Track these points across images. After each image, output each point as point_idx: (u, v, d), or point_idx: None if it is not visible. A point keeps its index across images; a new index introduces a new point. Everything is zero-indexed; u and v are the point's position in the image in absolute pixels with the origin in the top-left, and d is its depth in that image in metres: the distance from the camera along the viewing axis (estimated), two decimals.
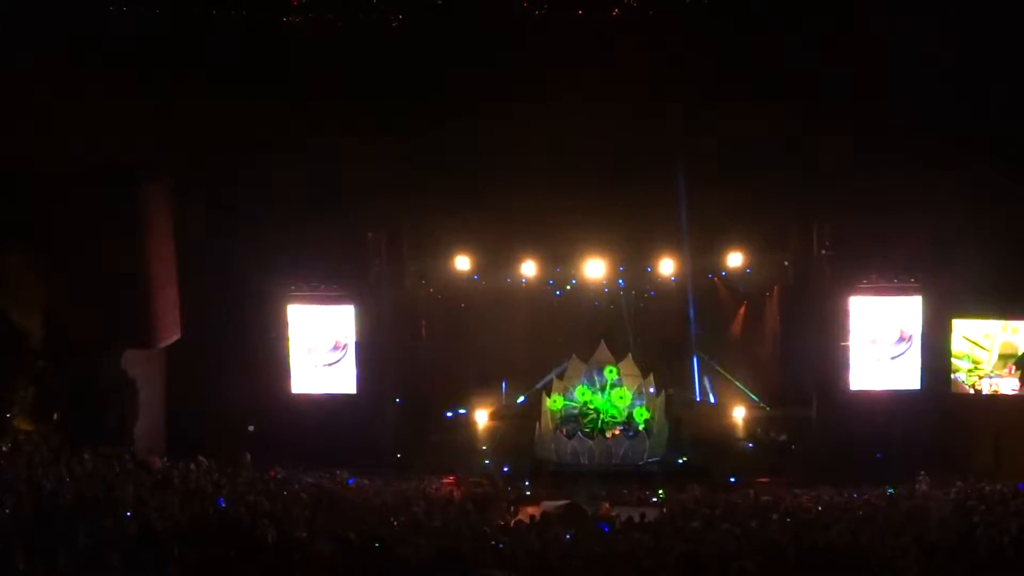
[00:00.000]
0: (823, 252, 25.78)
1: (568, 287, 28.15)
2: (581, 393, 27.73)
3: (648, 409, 27.37)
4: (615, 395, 27.63)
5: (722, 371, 28.33)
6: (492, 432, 27.57)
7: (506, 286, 27.72)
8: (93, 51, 21.91)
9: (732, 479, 25.27)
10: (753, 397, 27.10)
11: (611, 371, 27.79)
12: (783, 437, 26.76)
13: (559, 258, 27.35)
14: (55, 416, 22.29)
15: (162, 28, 24.42)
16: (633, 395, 27.57)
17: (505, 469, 26.16)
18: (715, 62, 23.70)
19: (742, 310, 28.46)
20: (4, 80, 20.87)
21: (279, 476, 21.91)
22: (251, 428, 25.61)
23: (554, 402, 27.52)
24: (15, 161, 21.30)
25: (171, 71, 22.99)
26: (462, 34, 25.42)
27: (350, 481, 22.90)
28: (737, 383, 27.74)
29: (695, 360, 28.31)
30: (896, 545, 13.87)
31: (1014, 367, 24.89)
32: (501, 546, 13.48)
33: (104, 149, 22.13)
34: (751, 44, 23.85)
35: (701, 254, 26.86)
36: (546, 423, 27.40)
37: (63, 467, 17.54)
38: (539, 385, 28.36)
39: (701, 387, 27.76)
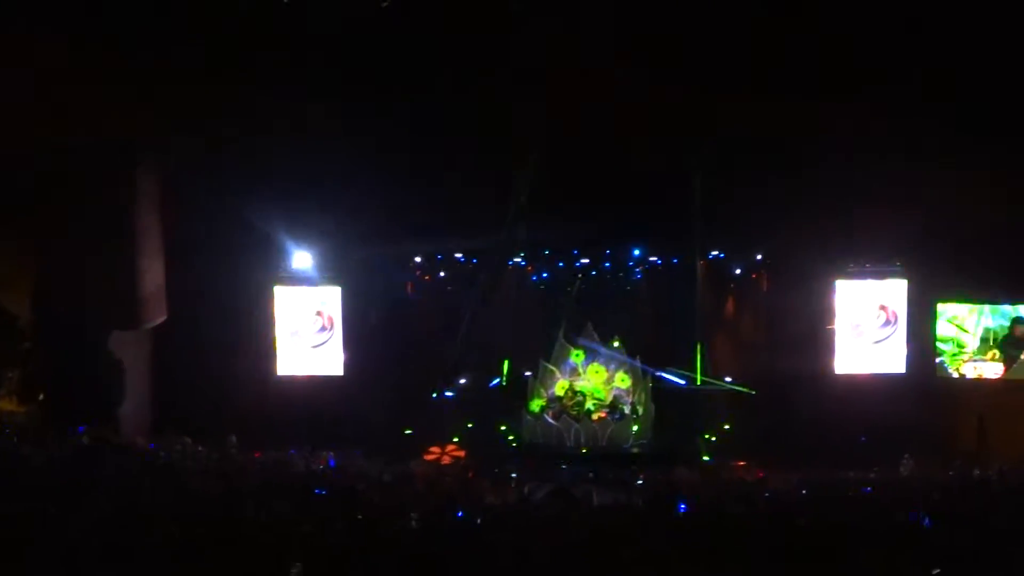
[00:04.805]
0: (811, 236, 25.80)
1: (556, 271, 28.12)
2: (561, 388, 27.80)
3: (629, 376, 27.52)
4: (591, 371, 27.79)
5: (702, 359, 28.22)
6: (479, 414, 27.53)
7: (493, 269, 27.66)
8: (85, 27, 21.65)
9: (718, 462, 25.33)
10: (739, 388, 27.07)
11: (576, 355, 27.92)
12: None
13: (548, 242, 27.33)
14: (40, 397, 22.23)
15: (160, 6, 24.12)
16: (610, 370, 27.72)
17: (491, 451, 26.19)
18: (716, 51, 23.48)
19: (728, 294, 28.42)
20: None
21: (264, 457, 21.93)
22: None
23: (534, 404, 27.59)
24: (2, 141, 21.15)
25: (161, 52, 22.75)
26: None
27: (331, 463, 22.89)
28: (717, 378, 27.63)
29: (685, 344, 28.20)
30: (881, 528, 13.95)
31: (997, 351, 25.04)
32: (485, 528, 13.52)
33: (94, 130, 21.96)
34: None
35: (688, 238, 26.85)
36: (532, 405, 27.44)
37: (48, 448, 17.52)
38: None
39: (687, 371, 27.69)
